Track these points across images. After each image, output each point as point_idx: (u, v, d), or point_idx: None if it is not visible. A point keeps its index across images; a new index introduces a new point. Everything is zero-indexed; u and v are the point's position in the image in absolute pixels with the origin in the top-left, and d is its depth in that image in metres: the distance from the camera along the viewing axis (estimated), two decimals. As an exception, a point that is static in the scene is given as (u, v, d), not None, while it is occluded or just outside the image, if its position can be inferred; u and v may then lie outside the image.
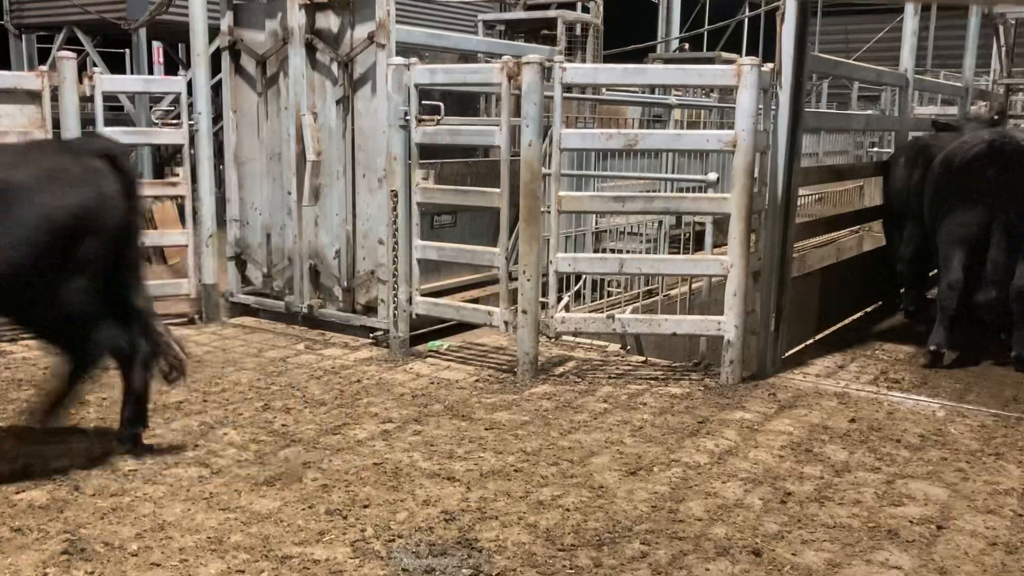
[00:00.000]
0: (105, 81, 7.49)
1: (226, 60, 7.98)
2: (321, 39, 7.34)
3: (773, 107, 6.37)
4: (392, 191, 6.73)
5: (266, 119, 7.85)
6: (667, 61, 14.50)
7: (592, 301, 8.47)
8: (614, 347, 7.09)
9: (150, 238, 8.86)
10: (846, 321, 9.12)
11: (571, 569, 3.72)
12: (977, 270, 7.06)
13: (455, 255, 6.85)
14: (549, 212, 6.34)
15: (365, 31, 7.11)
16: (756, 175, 6.25)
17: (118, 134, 8.05)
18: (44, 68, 7.21)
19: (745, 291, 6.17)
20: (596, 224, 8.82)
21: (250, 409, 5.60)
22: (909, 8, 9.11)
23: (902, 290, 9.07)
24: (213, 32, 7.87)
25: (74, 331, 4.48)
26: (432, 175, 6.91)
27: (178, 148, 7.97)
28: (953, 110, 12.42)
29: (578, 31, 11.65)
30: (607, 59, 12.96)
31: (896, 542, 4.00)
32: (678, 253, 9.21)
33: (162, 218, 10.84)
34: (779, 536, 4.03)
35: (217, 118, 8.79)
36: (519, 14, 12.65)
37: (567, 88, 6.34)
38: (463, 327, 7.42)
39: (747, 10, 19.06)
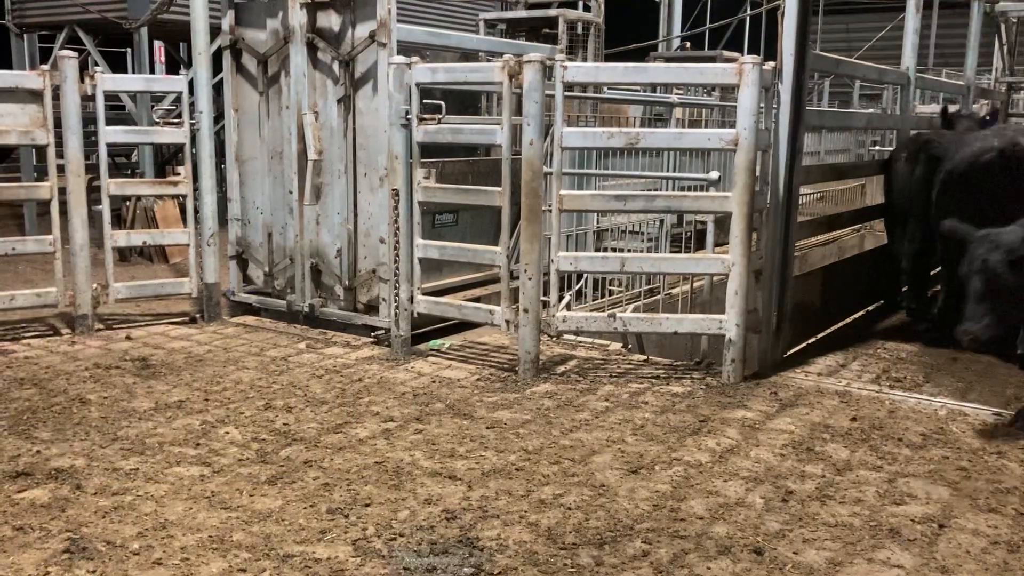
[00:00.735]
0: (107, 80, 7.50)
1: (227, 59, 7.99)
2: (322, 38, 7.34)
3: (775, 105, 6.37)
4: (393, 190, 6.73)
5: (267, 118, 7.86)
6: (668, 60, 14.48)
7: (593, 300, 8.46)
8: (615, 346, 7.10)
9: (152, 237, 8.89)
10: (848, 320, 9.10)
11: (572, 568, 3.72)
12: None
13: (456, 254, 6.85)
14: (550, 211, 6.34)
15: (366, 30, 7.11)
16: (758, 174, 6.25)
17: (119, 133, 8.10)
18: (46, 67, 7.21)
19: (747, 290, 6.17)
20: (597, 223, 8.81)
21: (252, 408, 5.61)
22: (911, 6, 9.10)
23: (904, 288, 9.06)
24: (214, 31, 7.88)
25: None
26: (433, 174, 6.92)
27: (180, 147, 7.98)
28: (954, 108, 12.40)
29: (579, 30, 11.64)
30: (608, 58, 12.95)
31: (898, 541, 3.99)
32: (679, 252, 9.21)
33: (164, 217, 10.86)
34: (780, 535, 4.03)
35: (218, 117, 8.80)
36: (520, 13, 12.64)
37: (568, 87, 6.33)
38: (464, 326, 7.43)
39: (748, 9, 19.05)
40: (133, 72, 14.25)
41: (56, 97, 7.11)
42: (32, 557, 3.73)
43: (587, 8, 13.02)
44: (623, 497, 4.37)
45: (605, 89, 9.19)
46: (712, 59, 13.93)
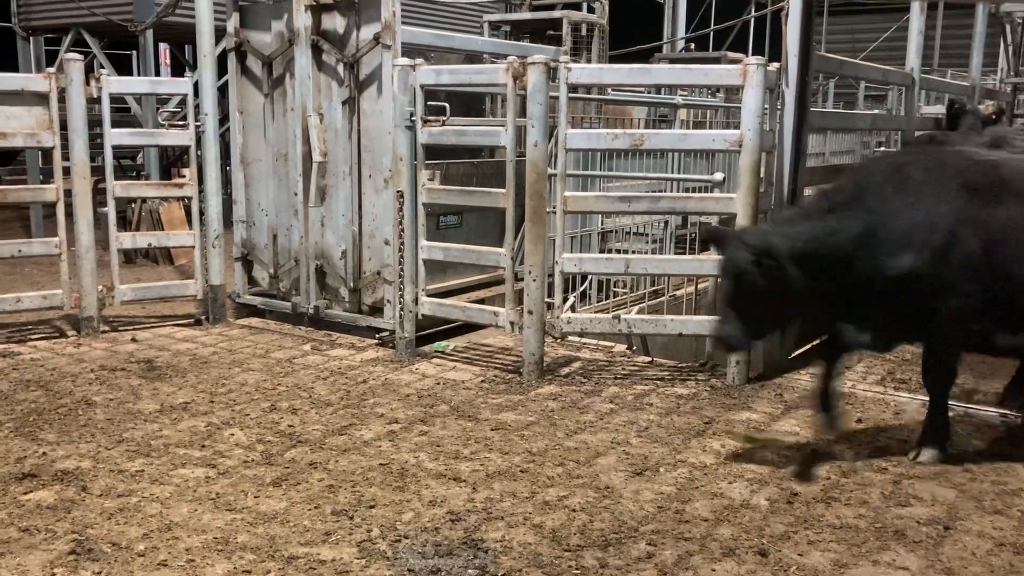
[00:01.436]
0: (112, 83, 7.52)
1: (232, 61, 8.01)
2: (327, 40, 7.36)
3: (779, 107, 6.37)
4: (398, 191, 6.73)
5: (272, 120, 7.87)
6: (673, 61, 14.47)
7: (598, 301, 8.46)
8: (620, 348, 7.09)
9: (157, 239, 8.91)
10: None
11: (577, 569, 3.72)
12: None
13: (461, 255, 6.85)
14: (555, 212, 6.34)
15: (371, 32, 7.12)
16: (762, 175, 6.24)
17: (125, 135, 8.13)
18: (51, 70, 7.23)
19: (751, 291, 6.14)
20: (602, 224, 8.80)
21: (256, 410, 5.62)
22: (915, 7, 9.08)
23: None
24: (219, 33, 7.90)
25: None
26: (438, 175, 6.92)
27: (185, 149, 7.99)
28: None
29: (584, 31, 11.63)
30: (613, 59, 12.93)
31: (903, 543, 3.99)
32: (684, 253, 9.20)
33: (169, 219, 10.88)
34: (785, 537, 4.02)
35: (223, 119, 8.81)
36: (524, 15, 12.63)
37: (572, 88, 6.33)
38: (469, 328, 7.43)
39: (753, 10, 19.03)
40: (138, 74, 14.28)
41: (62, 100, 7.13)
42: (38, 558, 3.74)
43: (591, 10, 13.01)
44: (628, 499, 4.37)
45: (609, 90, 9.18)
46: (717, 60, 13.91)
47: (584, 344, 7.18)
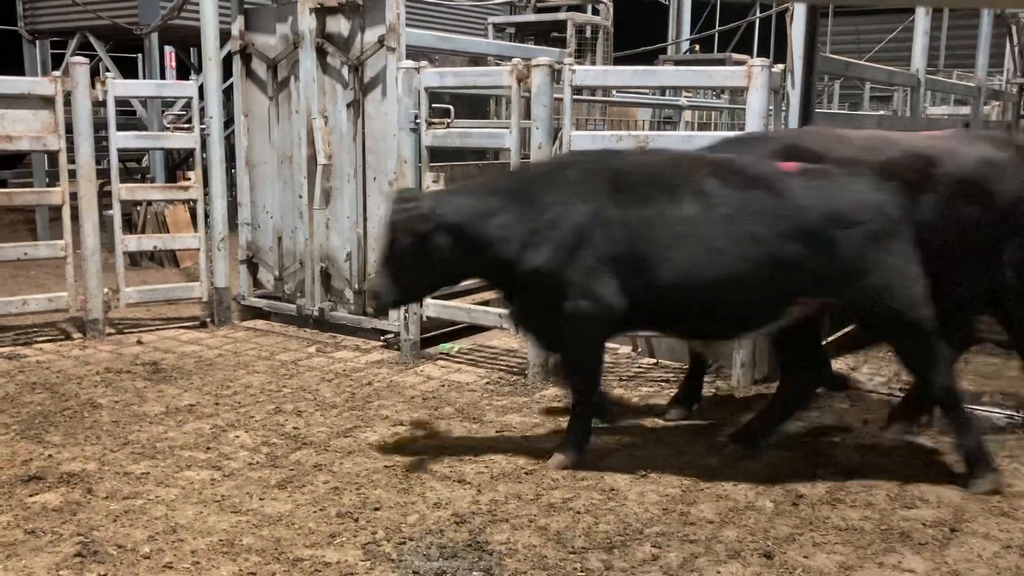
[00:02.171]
0: (117, 86, 7.54)
1: (237, 64, 8.02)
2: (332, 43, 7.37)
3: (784, 108, 6.35)
4: (402, 194, 6.73)
5: (277, 123, 7.88)
6: (677, 63, 14.48)
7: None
8: (625, 349, 7.08)
9: (163, 242, 8.93)
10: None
11: (582, 572, 3.72)
12: None
13: (466, 258, 6.83)
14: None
15: (375, 35, 7.13)
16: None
17: (130, 138, 8.14)
18: (57, 73, 7.25)
19: (756, 293, 6.13)
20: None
21: (262, 412, 5.62)
22: (920, 8, 9.07)
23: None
24: (224, 36, 7.91)
25: None
26: (442, 178, 6.91)
27: (190, 152, 8.01)
28: (965, 110, 12.36)
29: (588, 33, 11.65)
30: (617, 61, 12.94)
31: (909, 545, 3.97)
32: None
33: (174, 222, 10.90)
34: (791, 539, 4.02)
35: (229, 122, 8.83)
36: (529, 17, 12.66)
37: (577, 90, 6.34)
38: (474, 329, 7.43)
39: (758, 11, 19.02)
40: (144, 78, 14.30)
41: (68, 103, 7.14)
42: (44, 561, 3.75)
43: (596, 12, 13.02)
44: (633, 501, 4.37)
45: (614, 92, 9.19)
46: (721, 62, 13.91)
47: (589, 346, 7.16)
